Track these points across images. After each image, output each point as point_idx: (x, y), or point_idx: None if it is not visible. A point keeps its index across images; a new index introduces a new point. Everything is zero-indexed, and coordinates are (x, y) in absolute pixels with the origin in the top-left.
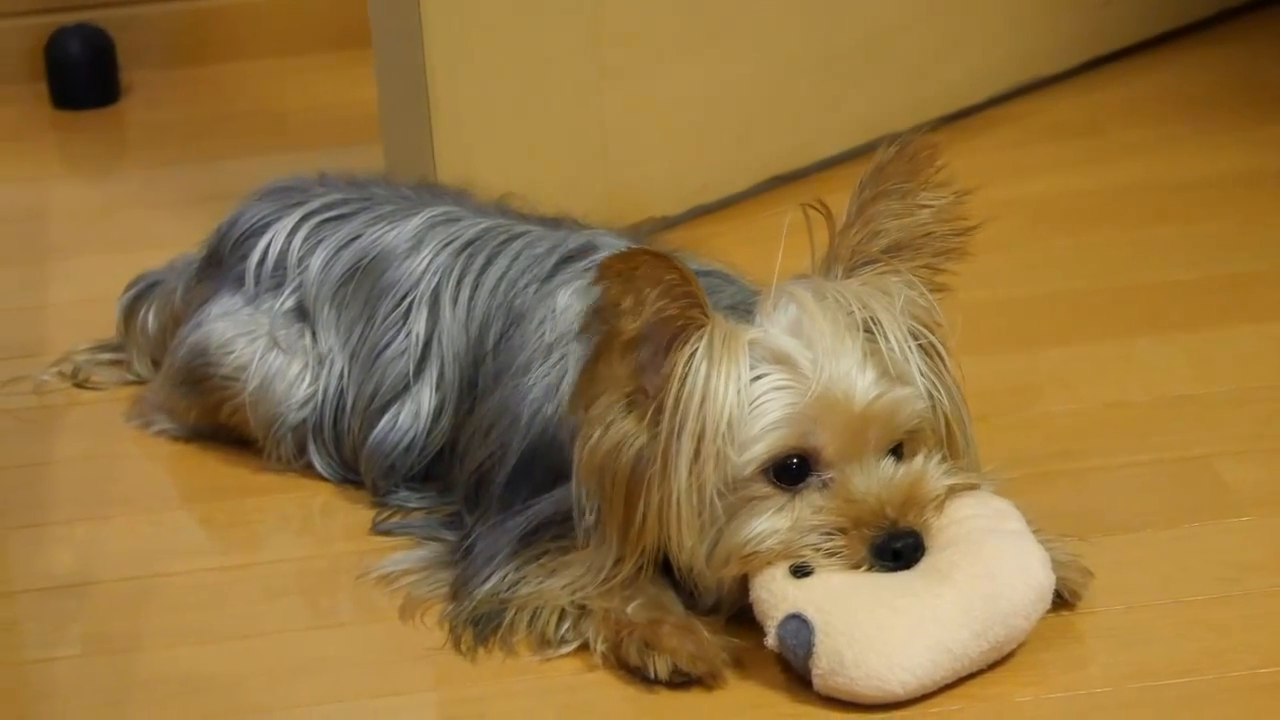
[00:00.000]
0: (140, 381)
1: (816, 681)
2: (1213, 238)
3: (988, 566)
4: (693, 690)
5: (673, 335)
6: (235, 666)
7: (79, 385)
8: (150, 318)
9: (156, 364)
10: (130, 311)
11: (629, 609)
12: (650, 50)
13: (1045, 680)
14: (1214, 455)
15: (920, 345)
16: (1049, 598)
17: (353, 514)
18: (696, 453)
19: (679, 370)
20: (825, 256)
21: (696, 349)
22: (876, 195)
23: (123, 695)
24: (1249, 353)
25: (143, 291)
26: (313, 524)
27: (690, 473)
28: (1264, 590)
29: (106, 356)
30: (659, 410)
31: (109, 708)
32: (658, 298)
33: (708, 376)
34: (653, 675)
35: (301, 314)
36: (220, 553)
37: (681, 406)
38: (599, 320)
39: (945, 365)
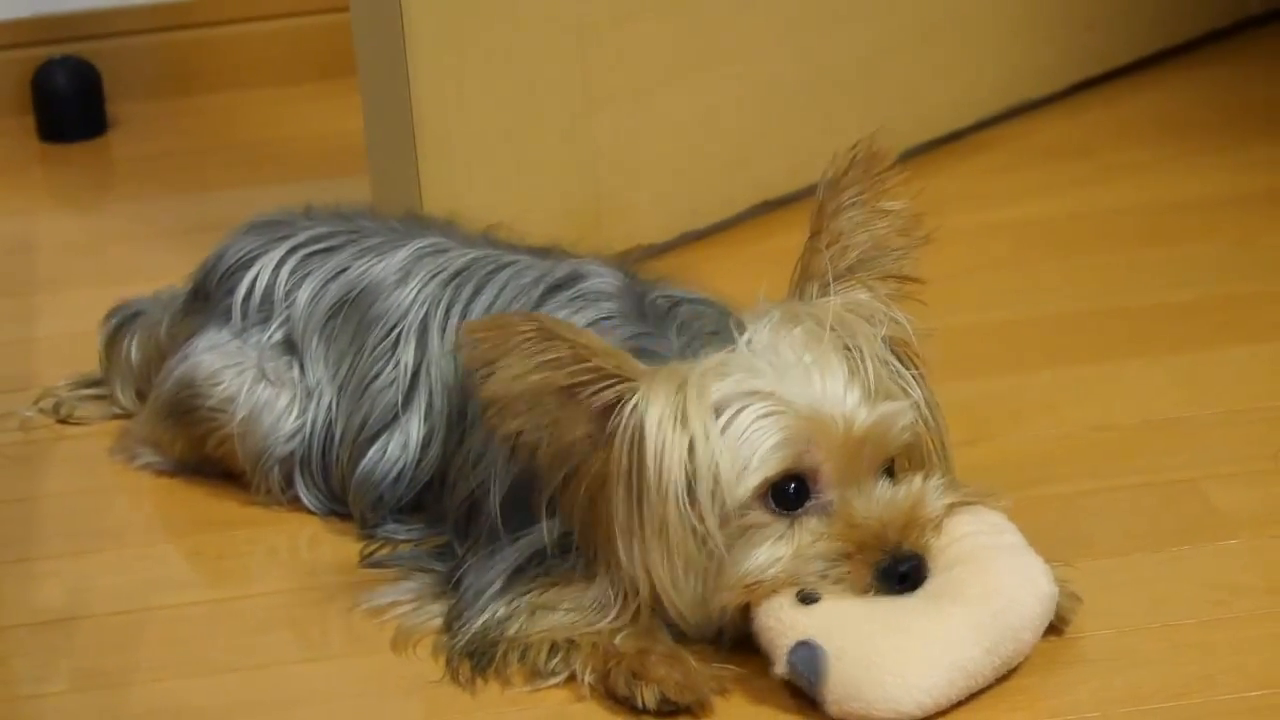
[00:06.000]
0: (125, 414)
1: (831, 708)
2: (1202, 259)
3: (995, 582)
4: (680, 719)
5: (605, 405)
6: (226, 699)
7: (62, 421)
8: (134, 349)
9: (141, 395)
10: (112, 341)
11: (617, 639)
12: (639, 77)
13: (1034, 705)
14: (1202, 478)
15: (897, 358)
16: (1053, 608)
17: (341, 546)
18: (691, 498)
19: (624, 435)
20: (798, 276)
21: (639, 414)
22: (838, 209)
23: None
24: (1237, 374)
25: (124, 321)
26: (301, 556)
27: (680, 524)
28: (1254, 613)
29: (88, 391)
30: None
31: None
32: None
33: (667, 440)
34: (640, 705)
35: (289, 347)
36: (209, 585)
37: (650, 470)
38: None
39: (921, 378)
